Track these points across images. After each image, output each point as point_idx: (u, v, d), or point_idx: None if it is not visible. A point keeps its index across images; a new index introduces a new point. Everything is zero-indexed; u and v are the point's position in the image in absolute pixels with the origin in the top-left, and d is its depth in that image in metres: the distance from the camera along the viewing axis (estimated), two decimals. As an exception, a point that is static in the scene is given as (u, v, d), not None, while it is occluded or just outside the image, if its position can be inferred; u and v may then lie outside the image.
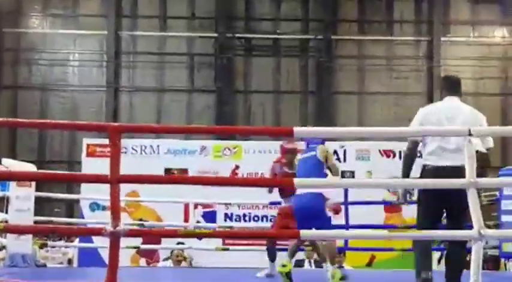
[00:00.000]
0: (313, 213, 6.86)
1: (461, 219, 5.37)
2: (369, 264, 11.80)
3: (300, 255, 10.56)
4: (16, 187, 9.37)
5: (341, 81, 21.85)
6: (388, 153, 12.47)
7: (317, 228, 6.53)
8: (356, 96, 21.84)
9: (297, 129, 4.84)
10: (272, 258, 8.08)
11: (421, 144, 5.60)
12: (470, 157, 4.72)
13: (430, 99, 21.58)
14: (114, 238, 4.45)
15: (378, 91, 21.72)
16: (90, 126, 6.25)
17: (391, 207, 11.90)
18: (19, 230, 6.99)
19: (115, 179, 4.53)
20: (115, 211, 4.51)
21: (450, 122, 5.44)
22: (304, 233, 5.46)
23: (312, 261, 10.65)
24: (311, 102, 21.67)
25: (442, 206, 5.47)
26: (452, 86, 5.78)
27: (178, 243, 10.95)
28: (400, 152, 12.36)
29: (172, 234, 5.66)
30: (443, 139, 5.41)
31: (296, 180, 4.65)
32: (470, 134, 4.72)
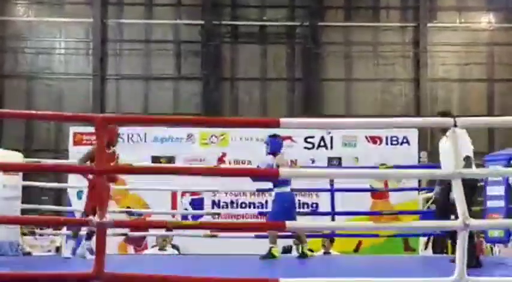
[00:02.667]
0: None
1: None
2: (356, 250, 11.86)
3: (288, 241, 10.62)
4: (3, 176, 9.35)
5: (328, 68, 21.87)
6: (374, 140, 12.47)
7: None
8: (343, 83, 21.86)
9: (284, 121, 4.65)
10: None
11: None
12: (455, 147, 4.73)
13: (417, 86, 21.67)
14: (101, 229, 4.46)
15: (365, 78, 21.75)
16: (77, 117, 6.20)
17: (378, 193, 11.93)
18: (7, 221, 6.95)
19: (101, 171, 4.53)
20: (101, 202, 4.53)
21: None
22: (290, 223, 5.49)
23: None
24: (298, 89, 21.69)
25: None
26: None
27: (167, 230, 10.96)
28: (386, 138, 12.39)
29: (161, 225, 5.63)
30: None
31: (281, 170, 4.62)
32: (455, 125, 4.73)
